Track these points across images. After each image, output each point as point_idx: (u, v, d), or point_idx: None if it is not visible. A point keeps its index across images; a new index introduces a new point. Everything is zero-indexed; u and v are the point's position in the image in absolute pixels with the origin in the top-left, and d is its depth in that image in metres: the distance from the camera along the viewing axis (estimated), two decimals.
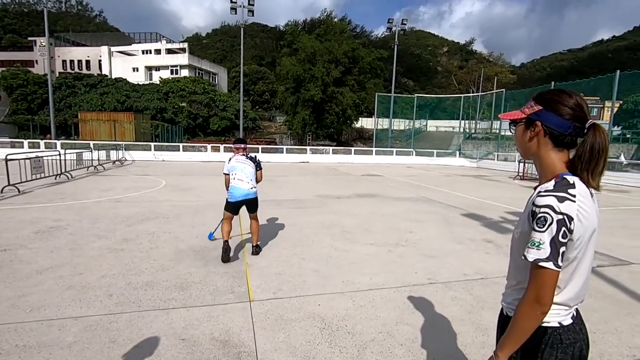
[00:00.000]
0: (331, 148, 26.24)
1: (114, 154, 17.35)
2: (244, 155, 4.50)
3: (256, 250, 4.57)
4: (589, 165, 1.04)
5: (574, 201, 1.00)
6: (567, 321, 1.09)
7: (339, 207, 7.80)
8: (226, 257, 4.19)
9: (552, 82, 22.59)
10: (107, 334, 2.61)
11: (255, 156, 4.62)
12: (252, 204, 4.50)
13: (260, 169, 4.61)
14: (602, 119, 33.87)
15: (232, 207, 4.41)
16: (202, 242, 4.89)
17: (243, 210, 4.49)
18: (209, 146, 22.25)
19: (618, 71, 18.48)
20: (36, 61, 48.76)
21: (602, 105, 36.56)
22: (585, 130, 1.06)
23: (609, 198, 10.57)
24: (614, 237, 5.85)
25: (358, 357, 2.44)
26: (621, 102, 22.94)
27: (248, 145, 4.83)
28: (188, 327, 2.74)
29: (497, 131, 28.22)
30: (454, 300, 3.35)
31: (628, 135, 21.64)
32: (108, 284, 3.44)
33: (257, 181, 4.54)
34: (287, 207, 7.56)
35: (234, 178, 4.37)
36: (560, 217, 0.98)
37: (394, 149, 27.00)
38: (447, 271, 4.09)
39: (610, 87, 19.24)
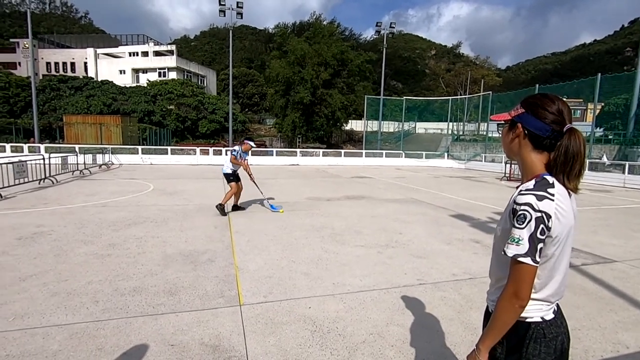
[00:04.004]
0: (321, 150, 26.29)
1: (100, 158, 17.02)
2: (230, 149, 7.62)
3: (219, 207, 6.83)
4: (564, 168, 1.08)
5: (553, 200, 1.04)
6: (549, 316, 1.13)
7: (329, 209, 7.81)
8: (220, 210, 6.86)
9: (537, 85, 23.07)
10: (94, 341, 2.56)
11: (234, 149, 7.12)
12: (224, 176, 7.19)
13: (232, 155, 7.03)
14: (585, 121, 34.75)
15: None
16: (191, 246, 4.84)
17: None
18: (197, 149, 22.03)
19: (599, 74, 19.01)
20: (19, 63, 47.70)
21: (585, 107, 37.54)
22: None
23: (592, 198, 10.84)
24: (597, 235, 6.00)
25: (349, 359, 2.44)
26: (602, 104, 23.58)
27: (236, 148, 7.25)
28: (177, 332, 2.70)
29: (485, 133, 28.71)
30: (443, 300, 3.38)
31: (610, 137, 22.23)
32: (94, 291, 3.38)
33: (232, 161, 7.03)
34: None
35: None
36: (539, 214, 1.02)
37: (384, 151, 27.18)
38: (436, 271, 4.13)
39: (592, 90, 19.78)
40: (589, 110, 33.09)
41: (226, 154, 7.29)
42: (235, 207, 7.31)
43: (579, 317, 3.10)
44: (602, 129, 23.48)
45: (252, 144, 7.25)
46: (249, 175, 7.41)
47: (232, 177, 7.06)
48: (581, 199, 10.33)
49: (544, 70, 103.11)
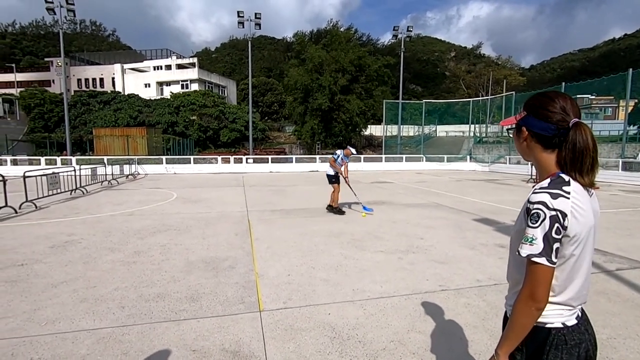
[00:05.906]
0: None
1: (127, 169, 17.68)
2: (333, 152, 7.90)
3: (332, 210, 7.67)
4: (574, 164, 1.05)
5: (568, 198, 1.01)
6: (572, 322, 1.08)
7: (348, 215, 7.77)
8: (329, 210, 7.86)
9: (563, 83, 22.25)
10: (120, 346, 2.63)
11: (336, 153, 7.72)
12: (327, 177, 7.86)
13: (332, 157, 7.71)
14: (618, 118, 33.15)
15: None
16: (213, 253, 4.92)
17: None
18: (219, 158, 22.51)
19: (630, 69, 18.11)
20: (53, 81, 50.51)
21: (616, 105, 35.87)
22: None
23: (627, 199, 10.29)
24: (633, 239, 5.67)
25: None
26: (636, 100, 22.42)
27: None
28: (199, 338, 2.75)
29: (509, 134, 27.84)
30: (467, 307, 3.28)
31: None
32: (120, 297, 3.49)
33: (330, 163, 7.77)
34: (296, 216, 7.57)
35: None
36: (554, 213, 0.99)
37: (404, 156, 26.82)
38: (459, 277, 4.02)
39: (623, 86, 18.85)
40: (620, 108, 31.57)
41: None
42: (330, 207, 7.91)
43: (615, 325, 2.93)
44: (636, 127, 22.31)
45: (353, 150, 7.86)
46: (344, 178, 7.92)
47: (334, 179, 7.74)
48: (616, 201, 9.82)
49: (571, 68, 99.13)
